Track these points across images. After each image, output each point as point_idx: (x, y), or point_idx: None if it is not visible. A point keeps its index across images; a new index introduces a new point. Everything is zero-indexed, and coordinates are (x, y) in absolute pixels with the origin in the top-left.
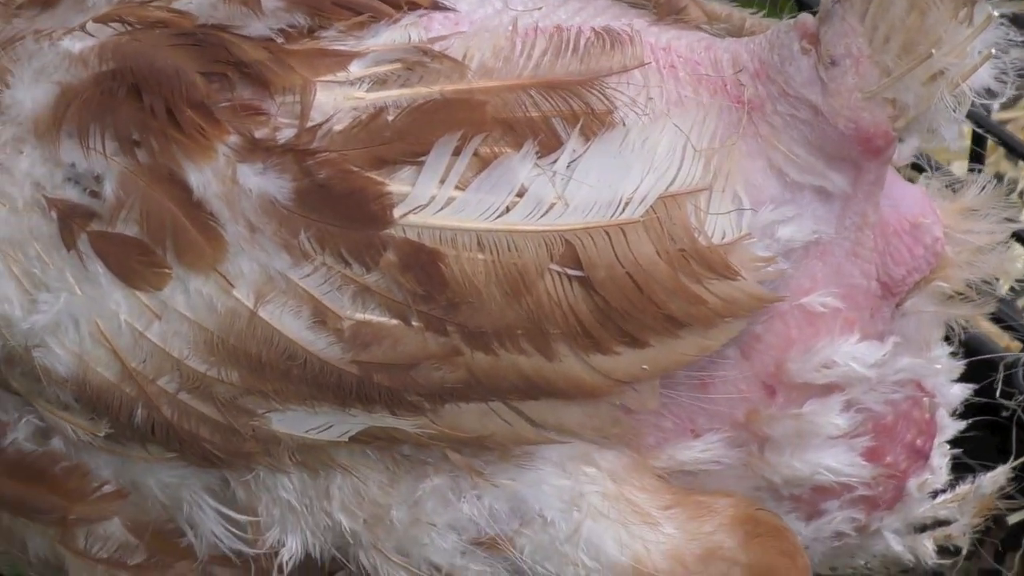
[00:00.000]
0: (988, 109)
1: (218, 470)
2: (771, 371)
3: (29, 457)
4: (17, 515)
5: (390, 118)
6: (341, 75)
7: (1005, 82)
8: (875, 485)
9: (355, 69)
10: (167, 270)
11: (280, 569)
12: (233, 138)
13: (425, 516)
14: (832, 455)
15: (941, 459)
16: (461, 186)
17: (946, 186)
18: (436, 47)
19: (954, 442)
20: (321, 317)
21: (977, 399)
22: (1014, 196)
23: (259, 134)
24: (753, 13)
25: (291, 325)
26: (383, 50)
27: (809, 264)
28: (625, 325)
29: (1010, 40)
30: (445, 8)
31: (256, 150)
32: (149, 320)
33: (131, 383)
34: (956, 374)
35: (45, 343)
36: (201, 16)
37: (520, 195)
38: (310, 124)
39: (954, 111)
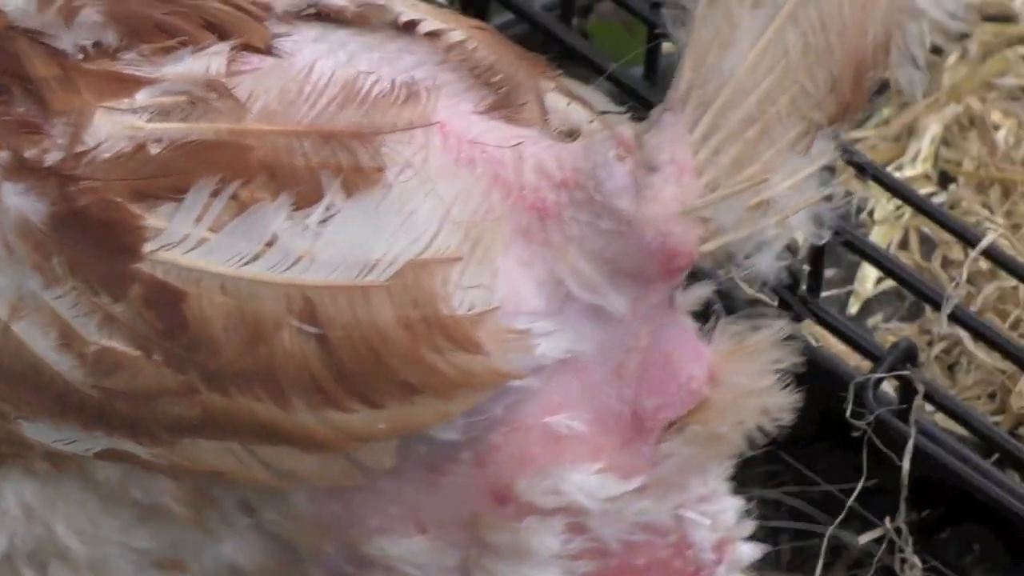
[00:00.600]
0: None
1: None
2: (503, 483)
3: None
4: None
5: (156, 151)
6: (126, 102)
7: (822, 226)
8: None
9: (141, 97)
10: None
11: None
12: (3, 154)
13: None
14: (540, 574)
15: None
16: (215, 228)
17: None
18: (230, 81)
19: (809, 461)
20: (67, 340)
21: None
22: (862, 216)
23: (28, 153)
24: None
25: (39, 343)
26: (175, 80)
27: (563, 380)
28: (360, 386)
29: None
30: (281, 55)
31: (22, 169)
32: None
33: None
34: (746, 532)
35: None
36: (17, 19)
37: (270, 244)
38: (80, 149)
39: (771, 244)
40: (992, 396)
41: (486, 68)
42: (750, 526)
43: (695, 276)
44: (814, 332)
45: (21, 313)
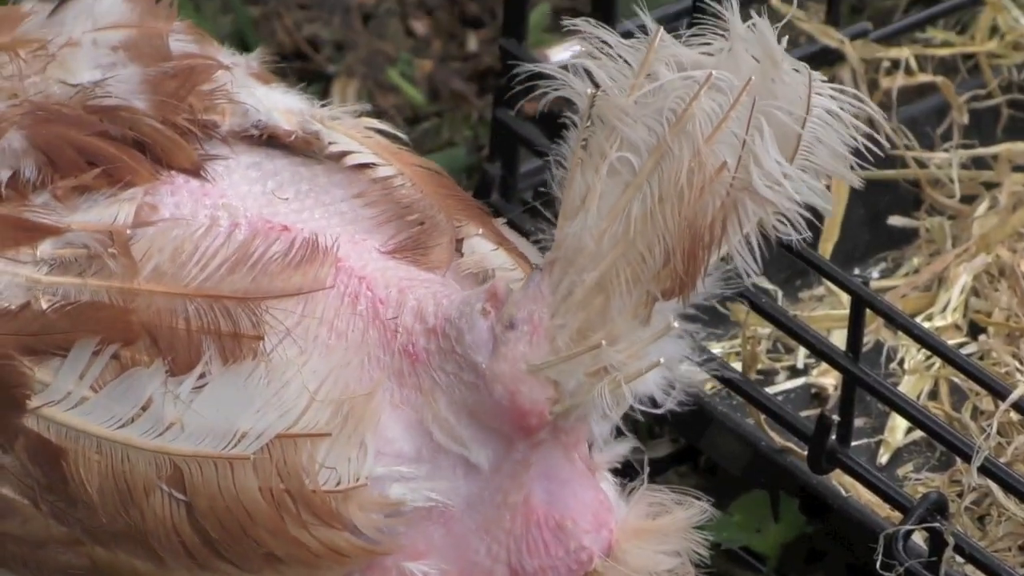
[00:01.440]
0: (867, 280)
1: None
2: None
3: None
4: None
5: (45, 306)
6: (26, 253)
7: (670, 394)
8: None
9: (45, 248)
10: None
11: None
12: None
13: None
14: None
15: None
16: (96, 387)
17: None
18: (133, 234)
19: None
20: None
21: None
22: (892, 365)
23: None
24: None
25: None
26: (79, 230)
27: (427, 527)
28: (227, 554)
29: (684, 355)
30: (205, 178)
31: None
32: None
33: None
34: None
35: None
36: None
37: (144, 408)
38: None
39: (609, 411)
40: (1023, 548)
41: (405, 206)
42: None
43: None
44: (843, 482)
45: None
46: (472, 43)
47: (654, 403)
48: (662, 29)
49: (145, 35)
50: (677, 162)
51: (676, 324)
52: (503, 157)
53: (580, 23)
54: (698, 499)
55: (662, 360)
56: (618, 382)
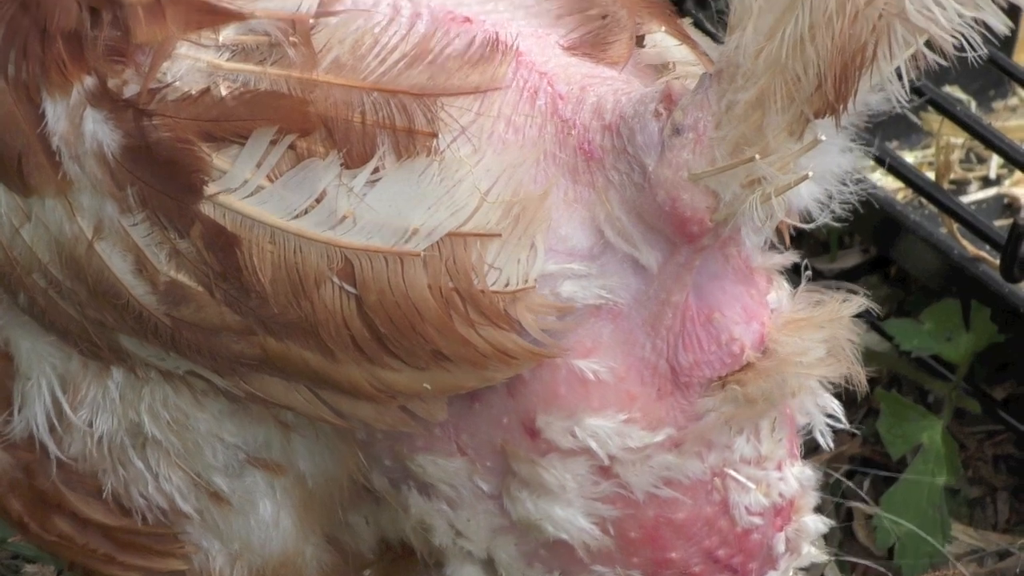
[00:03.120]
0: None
1: (80, 360)
2: (529, 416)
3: None
4: None
5: (223, 94)
6: (210, 38)
7: (823, 210)
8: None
9: (228, 33)
10: (31, 183)
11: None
12: (90, 80)
13: (219, 431)
14: (562, 510)
15: None
16: (272, 177)
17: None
18: (313, 22)
19: None
20: (142, 266)
21: None
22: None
23: (112, 83)
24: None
25: (119, 265)
26: (264, 17)
27: (596, 325)
28: (395, 349)
29: (846, 170)
30: None
31: (104, 98)
32: (21, 220)
33: (13, 269)
34: (812, 503)
35: None
36: None
37: (318, 201)
38: (156, 85)
39: (762, 222)
40: None
41: (587, 1)
42: (815, 497)
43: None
44: None
45: (102, 234)
46: None
47: (809, 217)
48: None
49: None
50: None
51: (823, 137)
52: None
53: None
54: (855, 293)
55: (811, 173)
56: (768, 194)
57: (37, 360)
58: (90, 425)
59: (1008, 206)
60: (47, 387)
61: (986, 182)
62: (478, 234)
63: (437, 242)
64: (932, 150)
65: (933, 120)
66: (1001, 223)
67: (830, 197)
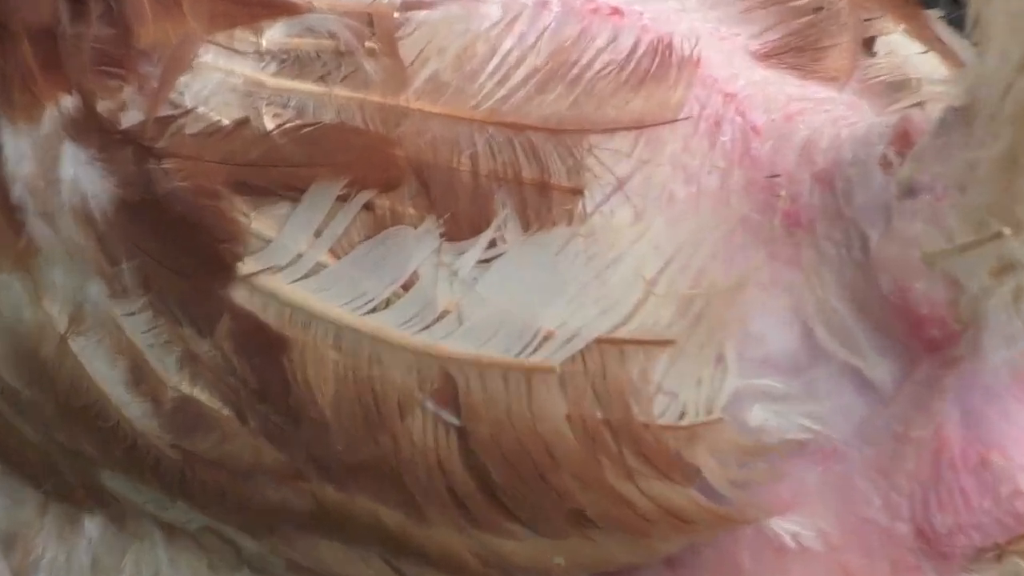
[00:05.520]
0: None
1: (37, 504)
2: None
3: None
4: None
5: (269, 126)
6: (248, 40)
7: None
8: None
9: (275, 35)
10: None
11: None
12: (70, 101)
13: None
14: None
15: None
16: (338, 251)
17: None
18: (404, 21)
19: None
20: (140, 375)
21: None
22: None
23: (103, 105)
24: None
25: (104, 372)
26: (328, 11)
27: (799, 469)
28: (514, 508)
29: None
30: None
31: (91, 128)
32: None
33: None
34: None
35: None
36: None
37: (406, 287)
38: (169, 111)
39: (1013, 326)
40: None
41: None
42: None
43: None
44: None
45: (82, 326)
46: None
47: None
48: None
49: None
50: None
51: None
52: None
53: None
54: None
55: None
56: (1022, 287)
57: None
58: None
59: None
60: None
61: None
62: (642, 341)
63: (581, 352)
64: None
65: None
66: None
67: None
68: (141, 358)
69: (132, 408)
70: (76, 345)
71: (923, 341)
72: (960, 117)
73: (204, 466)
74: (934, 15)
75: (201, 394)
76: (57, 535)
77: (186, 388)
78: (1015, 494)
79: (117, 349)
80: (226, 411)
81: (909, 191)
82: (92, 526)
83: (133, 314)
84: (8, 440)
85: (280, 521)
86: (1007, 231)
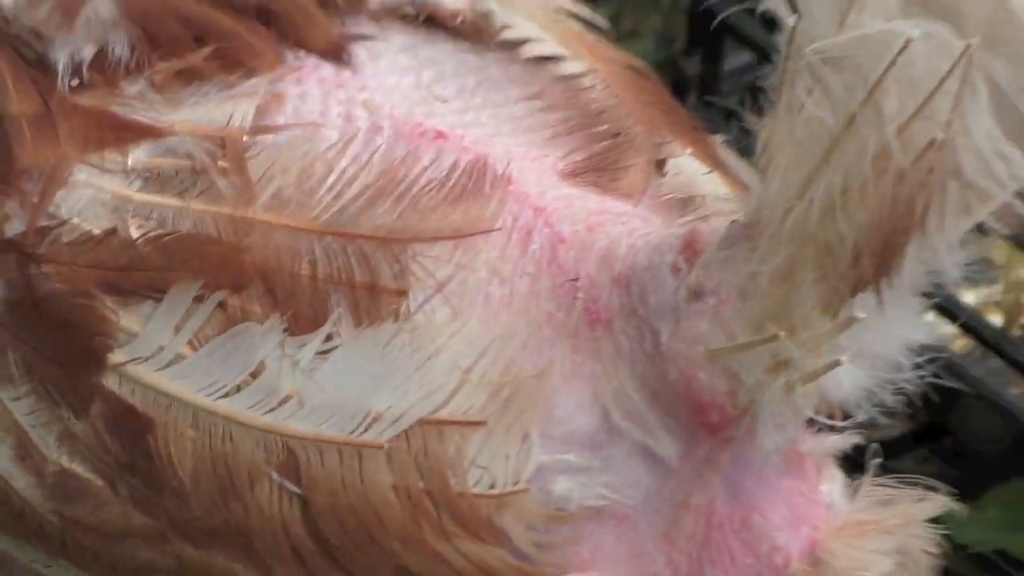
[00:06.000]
0: None
1: None
2: None
3: None
4: None
5: (134, 235)
6: (116, 161)
7: (870, 400)
8: None
9: (140, 155)
10: None
11: None
12: None
13: None
14: None
15: None
16: (195, 344)
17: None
18: (251, 144)
19: None
20: (25, 451)
21: None
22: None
23: None
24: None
25: None
26: (186, 134)
27: (597, 532)
28: (349, 565)
29: (894, 348)
30: (343, 64)
31: None
32: None
33: None
34: None
35: None
36: (14, 17)
37: (254, 375)
38: (47, 222)
39: (783, 416)
40: None
41: (595, 114)
42: None
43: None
44: None
45: None
46: None
47: (845, 415)
48: None
49: None
50: (863, 145)
51: (862, 315)
52: (704, 50)
53: None
54: (934, 489)
55: (843, 359)
56: (793, 382)
57: None
58: None
59: None
60: None
61: None
62: (458, 422)
63: (405, 431)
64: (999, 287)
65: (1001, 250)
66: None
67: (880, 384)
68: (26, 436)
69: (18, 480)
70: None
71: (704, 424)
72: (743, 232)
73: (82, 530)
74: (718, 139)
75: (78, 467)
76: None
77: (65, 462)
78: (772, 549)
79: (5, 428)
80: (100, 482)
81: (696, 295)
82: None
83: (18, 399)
84: None
85: None
86: (782, 334)
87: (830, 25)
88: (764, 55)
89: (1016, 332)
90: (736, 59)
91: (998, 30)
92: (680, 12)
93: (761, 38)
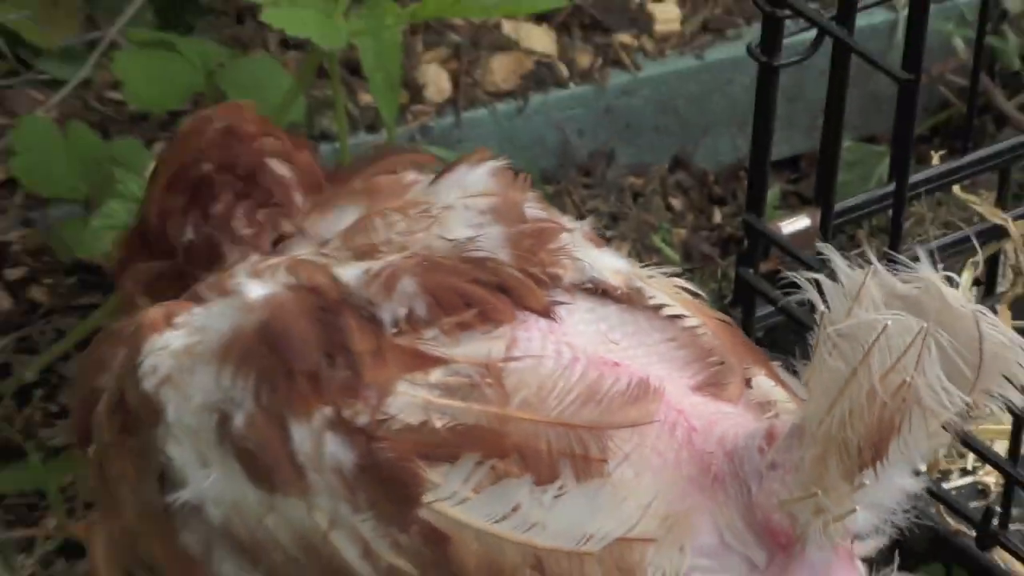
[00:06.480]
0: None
1: None
2: None
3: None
4: None
5: (439, 424)
6: (422, 379)
7: (878, 531)
8: None
9: (437, 375)
10: (279, 482)
11: None
12: (327, 409)
13: None
14: None
15: None
16: (477, 490)
17: None
18: (505, 368)
19: None
20: (368, 552)
21: None
22: None
23: (345, 413)
24: None
25: (348, 551)
26: (464, 362)
27: None
28: None
29: (890, 501)
30: (552, 319)
31: (340, 424)
32: (265, 511)
33: (256, 547)
34: None
35: (203, 502)
36: (352, 288)
37: (515, 510)
38: (382, 416)
39: (828, 539)
40: None
41: (707, 351)
42: None
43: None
44: (1004, 558)
45: (336, 527)
46: (717, 216)
47: (859, 536)
48: (873, 268)
49: (506, 202)
50: (861, 386)
51: (867, 482)
52: (743, 304)
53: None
54: None
55: (858, 508)
56: (828, 521)
57: None
58: None
59: (981, 491)
60: None
61: (964, 472)
62: (641, 539)
63: (608, 545)
64: None
65: None
66: (976, 504)
67: (884, 521)
68: (368, 545)
69: (363, 570)
70: (333, 536)
71: (778, 544)
72: (796, 432)
73: None
74: (777, 366)
75: (401, 563)
76: None
77: (393, 559)
78: None
79: (355, 539)
80: (416, 572)
81: (772, 466)
82: None
83: (364, 521)
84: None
85: None
86: (820, 493)
87: (842, 314)
88: (780, 310)
89: (934, 475)
90: (761, 310)
91: (942, 316)
92: (728, 280)
93: (775, 297)
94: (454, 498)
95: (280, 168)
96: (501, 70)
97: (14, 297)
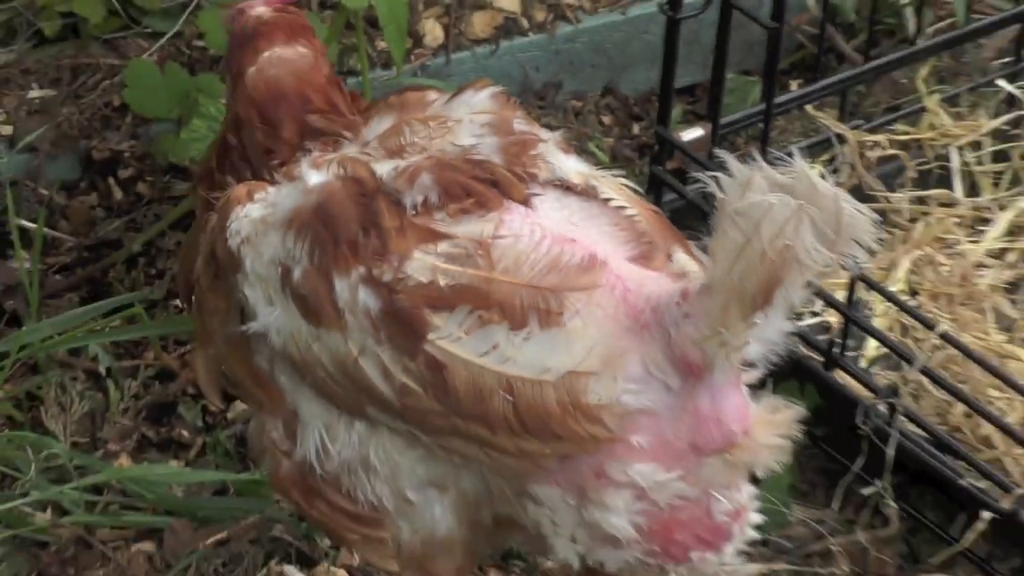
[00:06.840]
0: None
1: (338, 415)
2: (600, 465)
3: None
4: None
5: (442, 283)
6: (432, 248)
7: (758, 364)
8: (657, 548)
9: (443, 247)
10: (324, 319)
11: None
12: (362, 268)
13: (414, 466)
14: (615, 517)
15: (734, 548)
16: (467, 332)
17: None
18: (492, 244)
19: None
20: (386, 374)
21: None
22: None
23: (375, 271)
24: None
25: (372, 372)
26: (463, 238)
27: (643, 419)
28: (534, 432)
29: (774, 336)
30: (529, 206)
31: (370, 280)
32: (313, 340)
33: (305, 365)
34: (755, 507)
35: (268, 331)
36: (385, 180)
37: (494, 348)
38: (400, 276)
39: (729, 364)
40: (939, 415)
41: (641, 233)
42: (757, 504)
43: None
44: (841, 376)
45: (363, 354)
46: (635, 129)
47: (750, 364)
48: (759, 163)
49: (500, 119)
50: (754, 250)
51: (759, 321)
52: (654, 194)
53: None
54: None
55: (750, 341)
56: (729, 352)
57: (312, 415)
58: (339, 454)
59: (826, 328)
60: (317, 431)
61: (813, 314)
62: (586, 372)
63: (561, 375)
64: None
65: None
66: (823, 336)
67: (769, 351)
68: (386, 368)
69: (382, 385)
70: (362, 361)
71: (691, 372)
72: (705, 289)
73: (410, 409)
74: (693, 244)
75: (410, 382)
76: (346, 428)
77: (404, 379)
78: (730, 432)
79: (376, 363)
80: (420, 389)
81: (686, 316)
82: (360, 426)
83: (384, 351)
84: (330, 393)
85: (437, 430)
86: (724, 332)
87: (737, 198)
88: (683, 197)
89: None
90: (667, 199)
91: (811, 197)
92: (644, 176)
93: (679, 188)
94: (450, 337)
95: (336, 96)
96: (479, 23)
97: (124, 191)
